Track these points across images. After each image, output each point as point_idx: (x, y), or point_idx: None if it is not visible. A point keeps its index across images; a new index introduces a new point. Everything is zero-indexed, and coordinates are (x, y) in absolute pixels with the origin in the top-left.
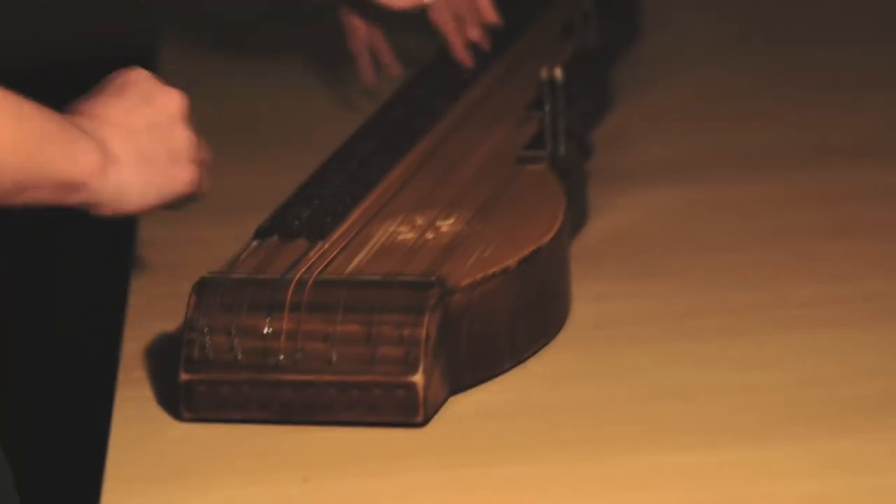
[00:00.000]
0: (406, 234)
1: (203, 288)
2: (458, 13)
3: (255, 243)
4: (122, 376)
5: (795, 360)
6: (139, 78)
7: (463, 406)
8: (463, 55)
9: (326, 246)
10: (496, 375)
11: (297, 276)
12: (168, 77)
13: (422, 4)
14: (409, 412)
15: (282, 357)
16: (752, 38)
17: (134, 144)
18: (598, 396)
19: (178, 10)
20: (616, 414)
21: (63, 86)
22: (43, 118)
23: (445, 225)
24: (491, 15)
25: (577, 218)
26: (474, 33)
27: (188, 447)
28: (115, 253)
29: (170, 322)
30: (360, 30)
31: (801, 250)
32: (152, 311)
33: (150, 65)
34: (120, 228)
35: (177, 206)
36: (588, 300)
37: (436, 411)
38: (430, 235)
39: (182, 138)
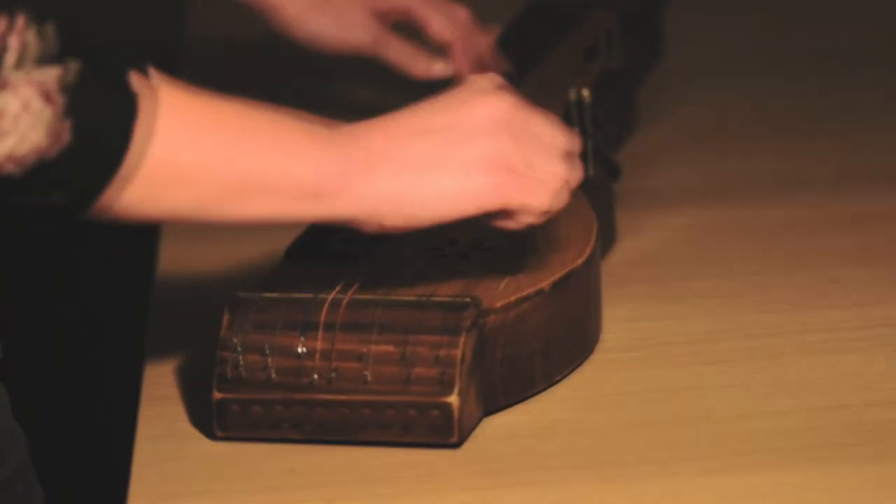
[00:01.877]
0: (439, 256)
1: (237, 306)
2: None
3: (286, 263)
4: (146, 393)
5: (821, 386)
6: (470, 83)
7: (491, 427)
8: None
9: (360, 266)
10: (529, 397)
11: (332, 295)
12: None
13: (436, 75)
14: (444, 433)
15: (316, 376)
16: (776, 60)
17: (403, 148)
18: (625, 419)
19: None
20: (643, 437)
21: None
22: (258, 120)
23: (478, 246)
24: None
25: (605, 240)
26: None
27: (213, 465)
28: (137, 270)
29: (193, 339)
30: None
31: (826, 275)
32: (175, 329)
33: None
34: (143, 244)
35: (486, 220)
36: (615, 322)
37: (471, 432)
38: (463, 257)
39: (481, 144)
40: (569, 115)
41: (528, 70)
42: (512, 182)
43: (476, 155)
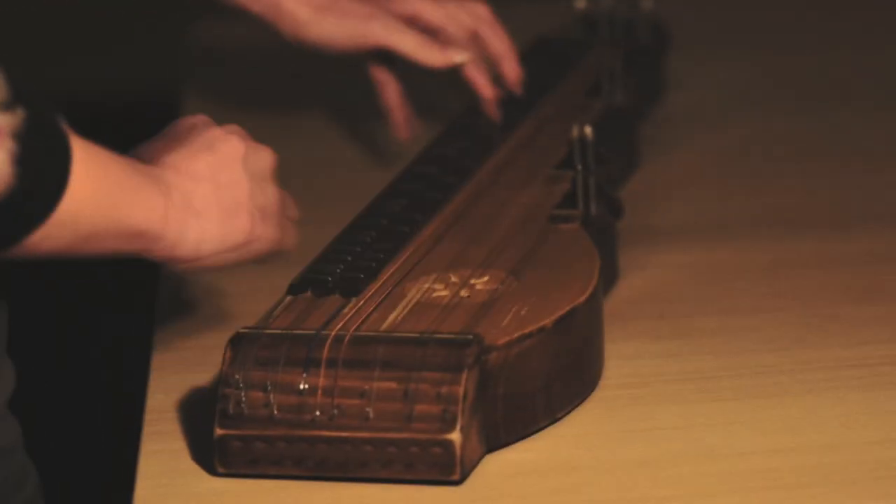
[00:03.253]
0: (440, 292)
1: (239, 342)
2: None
3: (288, 299)
4: (147, 429)
5: (824, 424)
6: (199, 124)
7: (494, 464)
8: (494, 112)
9: (361, 303)
10: (531, 434)
11: (334, 332)
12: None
13: (453, 63)
14: (446, 470)
15: (318, 413)
16: (776, 100)
17: (202, 193)
18: (627, 456)
19: (202, 58)
20: (645, 475)
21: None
22: (116, 165)
23: (480, 283)
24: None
25: (607, 277)
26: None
27: (215, 501)
28: (137, 304)
29: (195, 375)
30: (390, 84)
31: (826, 313)
32: (177, 364)
33: (173, 113)
34: (143, 280)
35: (254, 259)
36: (618, 359)
37: (473, 469)
38: (464, 293)
39: (243, 188)
40: (571, 153)
41: (531, 107)
42: (269, 220)
43: (247, 198)
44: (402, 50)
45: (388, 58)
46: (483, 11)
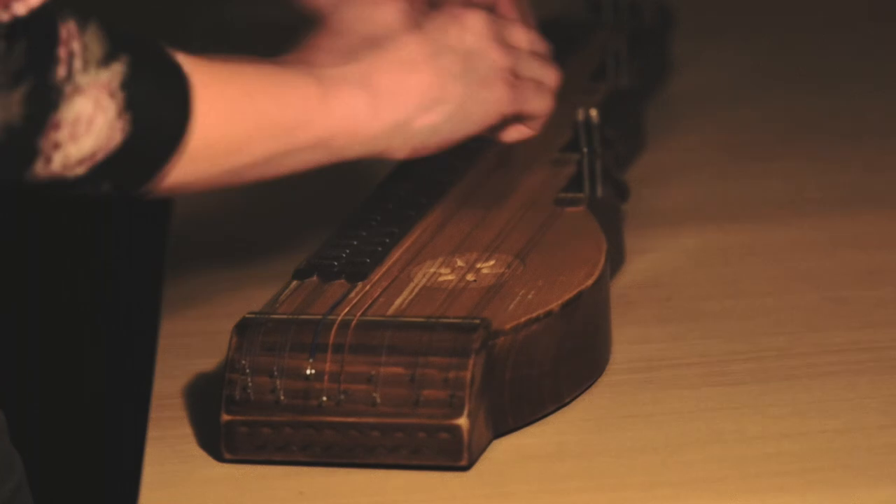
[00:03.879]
0: (447, 276)
1: (245, 328)
2: None
3: (294, 284)
4: (154, 415)
5: (832, 408)
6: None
7: (501, 449)
8: None
9: (367, 287)
10: (539, 419)
11: (340, 317)
12: None
13: None
14: (453, 455)
15: (325, 398)
16: (786, 78)
17: (413, 72)
18: (635, 441)
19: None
20: (654, 459)
21: None
22: (277, 78)
23: (486, 267)
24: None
25: (614, 261)
26: None
27: (221, 487)
28: (143, 289)
29: (201, 361)
30: None
31: (836, 296)
32: (183, 350)
33: None
34: (149, 265)
35: (498, 131)
36: (625, 343)
37: (480, 454)
38: (470, 278)
39: (486, 59)
40: (577, 135)
41: None
42: (519, 88)
43: (485, 68)
44: None
45: None
46: None
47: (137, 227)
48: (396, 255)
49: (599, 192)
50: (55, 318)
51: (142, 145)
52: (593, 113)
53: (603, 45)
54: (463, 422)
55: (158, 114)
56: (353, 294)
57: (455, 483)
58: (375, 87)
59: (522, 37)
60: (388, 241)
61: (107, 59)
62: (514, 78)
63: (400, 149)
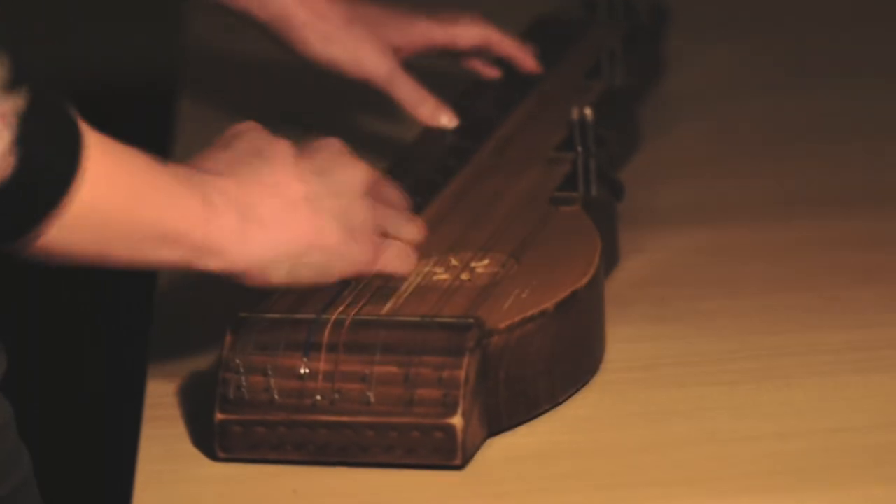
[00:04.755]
0: (441, 275)
1: (239, 327)
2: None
3: None
4: (147, 413)
5: (827, 407)
6: (245, 130)
7: (495, 449)
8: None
9: (361, 286)
10: (533, 418)
11: (335, 316)
12: (188, 117)
13: (439, 125)
14: (447, 455)
15: (319, 398)
16: (782, 77)
17: (251, 196)
18: (630, 440)
19: (201, 47)
20: (649, 459)
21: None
22: (140, 161)
23: (480, 266)
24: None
25: (609, 260)
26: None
27: (215, 486)
28: (136, 288)
29: (195, 359)
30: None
31: (831, 295)
32: (177, 349)
33: (171, 102)
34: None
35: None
36: (619, 342)
37: (474, 454)
38: (465, 277)
39: (358, 213)
40: (571, 134)
41: (530, 88)
42: (383, 248)
43: (352, 219)
44: (399, 100)
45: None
46: (482, 23)
47: None
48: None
49: (594, 190)
50: (55, 318)
51: (26, 188)
52: (588, 112)
53: (598, 43)
54: (457, 421)
55: (48, 160)
56: (347, 293)
57: (449, 482)
58: (255, 218)
59: (390, 192)
60: None
61: (8, 87)
62: (381, 237)
63: (257, 278)
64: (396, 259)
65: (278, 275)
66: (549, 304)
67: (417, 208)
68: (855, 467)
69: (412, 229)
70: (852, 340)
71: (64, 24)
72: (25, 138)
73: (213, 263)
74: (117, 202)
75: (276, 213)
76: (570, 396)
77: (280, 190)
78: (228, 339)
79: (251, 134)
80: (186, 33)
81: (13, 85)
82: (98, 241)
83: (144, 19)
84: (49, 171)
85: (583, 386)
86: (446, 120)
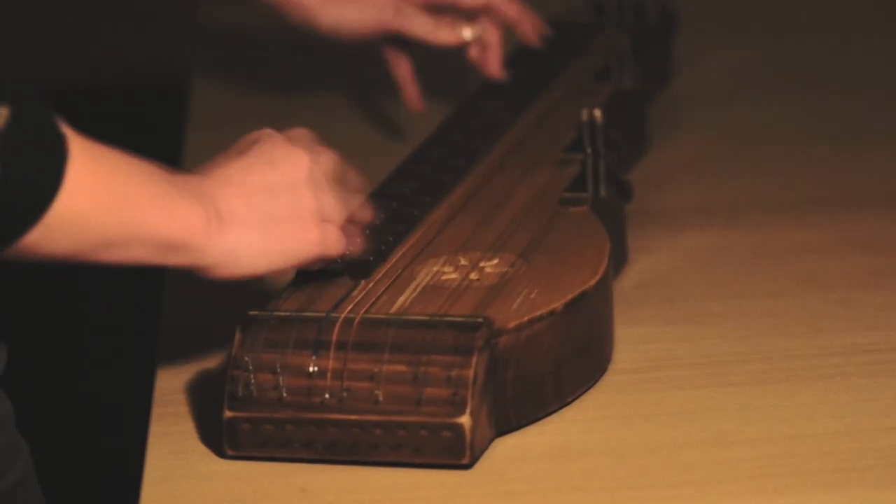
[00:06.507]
0: (450, 275)
1: (248, 325)
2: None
3: (298, 281)
4: (156, 411)
5: (835, 410)
6: (264, 138)
7: (503, 448)
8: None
9: (371, 285)
10: (541, 418)
11: (344, 314)
12: (199, 111)
13: (464, 40)
14: (455, 454)
15: (327, 396)
16: (787, 82)
17: (250, 205)
18: (638, 442)
19: (211, 43)
20: (656, 459)
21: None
22: (133, 170)
23: (489, 266)
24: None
25: (617, 261)
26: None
27: (223, 483)
28: (147, 286)
29: (204, 357)
30: (402, 61)
31: (839, 298)
32: (186, 347)
33: (182, 98)
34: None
35: (309, 267)
36: (627, 343)
37: (482, 453)
38: (474, 276)
39: (308, 199)
40: (581, 136)
41: (540, 90)
42: (332, 230)
43: (306, 210)
44: (414, 33)
45: (399, 37)
46: None
47: None
48: (400, 253)
49: (603, 192)
50: (55, 318)
51: (6, 202)
52: (597, 113)
53: (607, 46)
54: (465, 420)
55: (30, 174)
56: (356, 292)
57: (457, 481)
58: (218, 209)
59: (353, 177)
60: (391, 239)
61: None
62: (324, 220)
63: (213, 269)
64: (342, 239)
65: (237, 268)
66: (557, 305)
67: (427, 208)
68: (863, 470)
69: (358, 209)
70: (860, 343)
71: (75, 28)
72: (5, 154)
73: (181, 259)
74: (107, 211)
75: (235, 203)
76: (577, 397)
77: (235, 177)
78: (238, 336)
79: (265, 141)
80: (199, 21)
81: None
82: (83, 246)
83: (154, 21)
84: (29, 185)
85: (591, 386)
86: (468, 34)
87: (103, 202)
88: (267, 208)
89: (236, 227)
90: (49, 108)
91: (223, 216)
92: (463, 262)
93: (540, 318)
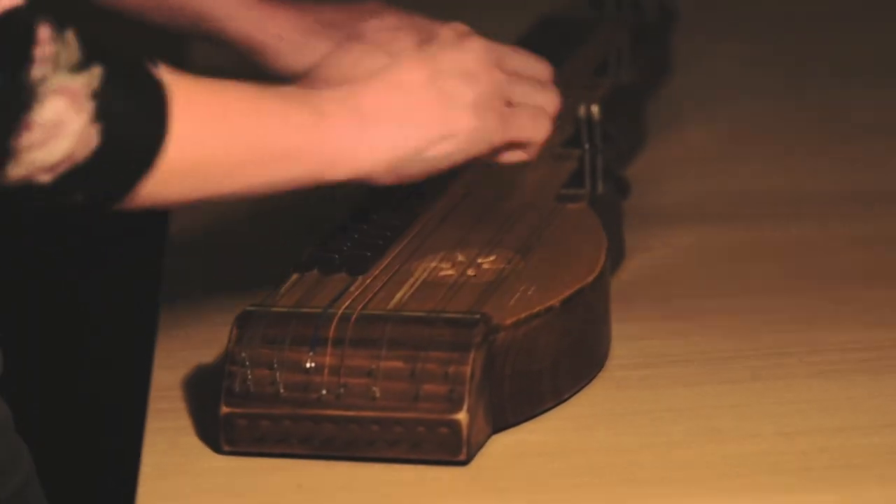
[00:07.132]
0: (447, 271)
1: (246, 320)
2: None
3: (295, 277)
4: (152, 406)
5: (832, 407)
6: (446, 30)
7: (500, 444)
8: None
9: (368, 281)
10: (538, 414)
11: (341, 310)
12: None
13: None
14: (452, 450)
15: (324, 392)
16: (788, 74)
17: (410, 101)
18: (634, 438)
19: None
20: (652, 457)
21: None
22: (233, 94)
23: (487, 262)
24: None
25: (614, 257)
26: None
27: (220, 479)
28: (143, 282)
29: (201, 352)
30: None
31: (835, 295)
32: (182, 342)
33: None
34: (148, 256)
35: (499, 158)
36: (624, 340)
37: (479, 449)
38: (471, 273)
39: (478, 86)
40: (578, 131)
41: None
42: (514, 116)
43: (477, 95)
44: None
45: None
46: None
47: (138, 217)
48: (397, 249)
49: (600, 188)
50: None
51: (113, 158)
52: (595, 109)
53: (605, 40)
54: (462, 416)
55: (131, 128)
56: (353, 288)
57: (454, 478)
58: (373, 116)
59: (521, 62)
60: (389, 235)
61: (80, 66)
62: (509, 105)
63: (386, 176)
64: (529, 127)
65: (411, 170)
66: (555, 301)
67: (424, 204)
68: (858, 467)
69: (546, 96)
70: (857, 340)
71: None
72: (104, 114)
73: (339, 173)
74: (214, 144)
75: (397, 109)
76: (574, 393)
77: (401, 82)
78: (235, 332)
79: (371, 29)
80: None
81: (86, 62)
82: (203, 183)
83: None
84: (135, 141)
85: (587, 383)
86: None
87: (222, 136)
88: (426, 100)
89: (383, 122)
90: (141, 58)
91: (370, 117)
92: (460, 258)
93: (537, 315)
